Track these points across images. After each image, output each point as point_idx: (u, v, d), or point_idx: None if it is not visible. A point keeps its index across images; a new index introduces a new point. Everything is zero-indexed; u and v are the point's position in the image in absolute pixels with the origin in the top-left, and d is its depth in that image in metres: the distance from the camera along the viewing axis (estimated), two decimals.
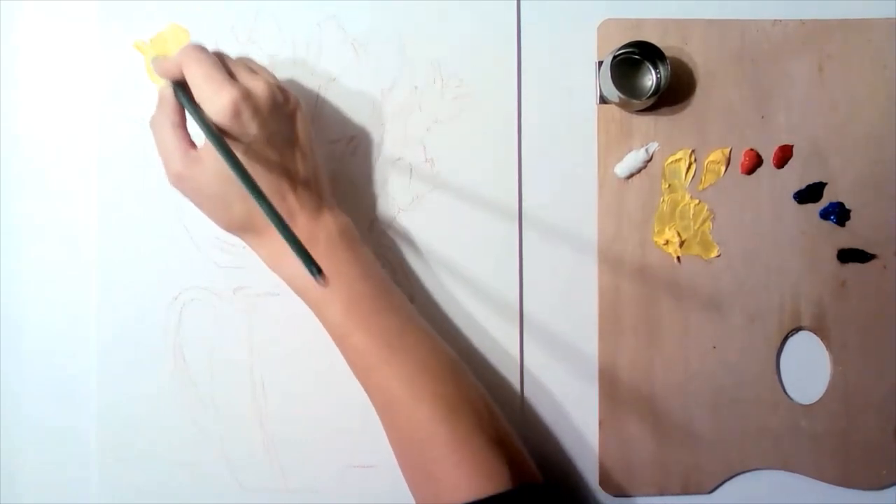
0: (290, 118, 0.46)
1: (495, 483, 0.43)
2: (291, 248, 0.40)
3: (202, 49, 0.45)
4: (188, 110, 0.45)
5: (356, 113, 0.53)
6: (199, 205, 0.47)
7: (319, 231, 0.47)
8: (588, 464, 0.53)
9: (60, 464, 0.52)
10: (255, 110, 0.44)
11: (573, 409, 0.53)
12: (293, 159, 0.46)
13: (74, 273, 0.52)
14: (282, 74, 0.53)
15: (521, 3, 0.54)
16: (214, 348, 0.52)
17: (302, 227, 0.46)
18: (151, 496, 0.52)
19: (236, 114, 0.43)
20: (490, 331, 0.53)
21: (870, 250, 0.53)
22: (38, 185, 0.53)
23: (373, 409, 0.50)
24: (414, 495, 0.46)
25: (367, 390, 0.47)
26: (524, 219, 0.53)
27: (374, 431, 0.52)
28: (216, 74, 0.44)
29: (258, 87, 0.44)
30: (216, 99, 0.43)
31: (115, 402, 0.52)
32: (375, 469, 0.52)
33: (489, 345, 0.53)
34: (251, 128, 0.44)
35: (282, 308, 0.52)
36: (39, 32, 0.53)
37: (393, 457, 0.51)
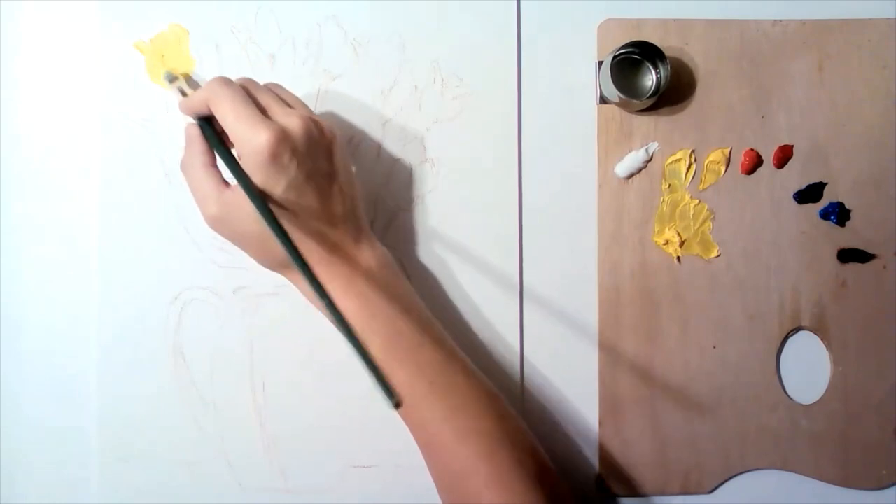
0: (327, 152, 0.45)
1: None
2: (360, 359, 0.39)
3: (228, 83, 0.44)
4: (216, 150, 0.44)
5: (356, 113, 0.53)
6: (238, 245, 0.46)
7: (359, 264, 0.46)
8: (588, 464, 0.53)
9: (60, 464, 0.52)
10: (294, 150, 0.43)
11: (573, 410, 0.53)
12: (331, 195, 0.45)
13: (74, 273, 0.52)
14: (282, 74, 0.53)
15: (521, 3, 0.54)
16: (214, 348, 0.52)
17: (343, 260, 0.45)
18: (151, 496, 0.52)
19: (274, 156, 0.42)
20: (490, 331, 0.53)
21: (870, 250, 0.53)
22: (38, 185, 0.53)
23: (373, 409, 0.50)
24: None
25: (407, 425, 0.46)
26: (524, 219, 0.53)
27: (374, 431, 0.52)
28: (249, 113, 0.43)
29: (294, 125, 0.43)
30: (252, 140, 0.42)
31: (115, 402, 0.52)
32: (375, 469, 0.52)
33: (489, 345, 0.53)
34: (290, 169, 0.43)
35: (282, 308, 0.52)
36: (39, 32, 0.53)
37: (393, 457, 0.52)
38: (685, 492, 0.53)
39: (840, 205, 0.53)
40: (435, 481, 0.47)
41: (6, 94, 0.53)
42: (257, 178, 0.42)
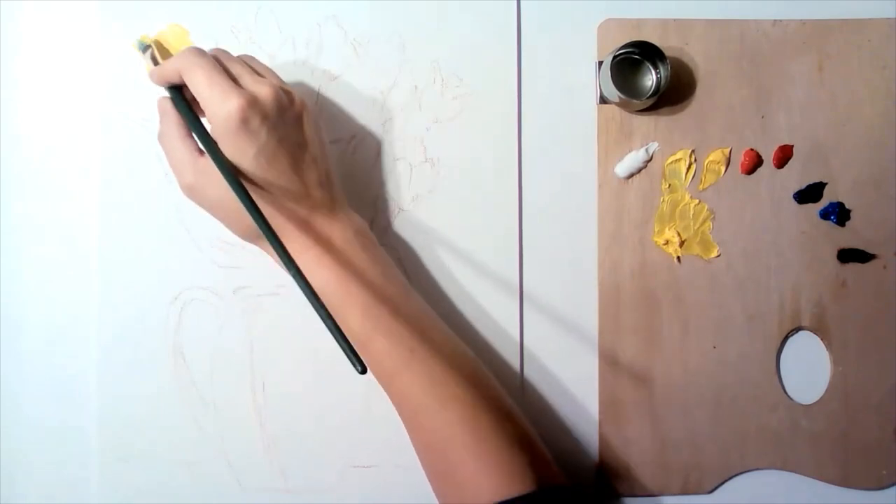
0: (297, 120, 0.45)
1: (519, 485, 0.43)
2: (318, 314, 0.41)
3: (201, 53, 0.45)
4: (186, 119, 0.45)
5: (356, 113, 0.53)
6: (213, 214, 0.46)
7: (335, 233, 0.46)
8: (588, 463, 0.53)
9: (60, 464, 0.52)
10: (263, 117, 0.43)
11: (573, 409, 0.53)
12: (304, 162, 0.45)
13: (74, 273, 0.52)
14: (282, 74, 0.53)
15: (521, 3, 0.54)
16: (214, 348, 0.52)
17: (318, 229, 0.46)
18: (151, 496, 0.52)
19: (244, 121, 0.42)
20: (490, 330, 0.53)
21: (870, 250, 0.53)
22: (38, 185, 0.53)
23: (373, 409, 0.50)
24: (437, 497, 0.46)
25: (389, 395, 0.47)
26: (524, 219, 0.53)
27: (374, 431, 0.52)
28: (220, 81, 0.43)
29: (263, 92, 0.43)
30: (222, 106, 0.42)
31: (115, 402, 0.52)
32: (375, 469, 0.52)
33: (489, 345, 0.53)
34: (260, 135, 0.43)
35: (282, 308, 0.52)
36: (39, 32, 0.53)
37: (393, 457, 0.52)
38: (685, 492, 0.53)
39: (840, 205, 0.53)
40: (417, 450, 0.47)
41: (6, 94, 0.53)
42: (228, 145, 0.43)
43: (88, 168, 0.52)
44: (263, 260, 0.52)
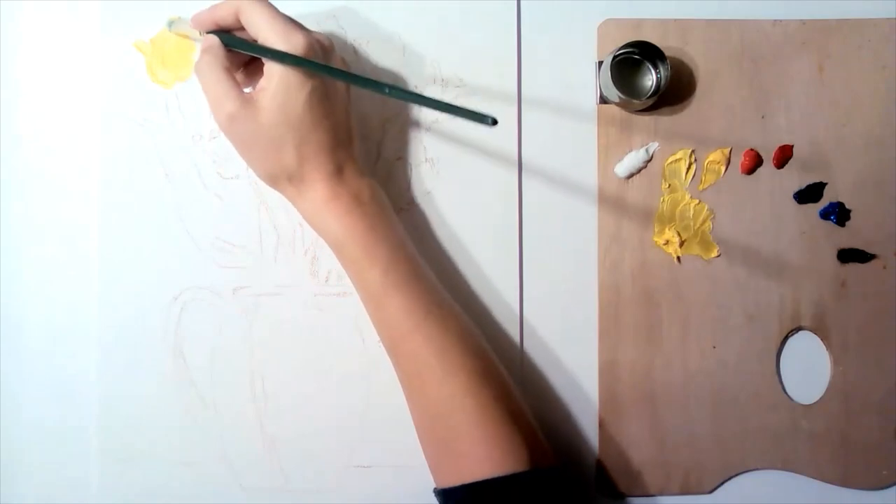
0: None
1: (514, 459, 0.44)
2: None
3: None
4: (246, 49, 0.45)
5: (356, 113, 0.53)
6: (247, 149, 0.47)
7: (363, 189, 0.47)
8: (588, 464, 0.53)
9: (60, 464, 0.52)
10: (321, 58, 0.45)
11: (573, 410, 0.53)
12: (343, 112, 0.47)
13: (75, 273, 0.52)
14: None
15: (521, 3, 0.54)
16: (214, 348, 0.52)
17: (348, 181, 0.47)
18: (151, 496, 0.52)
19: (308, 57, 0.44)
20: (489, 332, 0.53)
21: (870, 250, 0.53)
22: (38, 185, 0.53)
23: (372, 409, 0.50)
24: (432, 469, 0.47)
25: (396, 357, 0.47)
26: (524, 219, 0.53)
27: (374, 431, 0.52)
28: (282, 20, 0.44)
29: (319, 36, 0.46)
30: (287, 41, 0.43)
31: (115, 402, 0.52)
32: (375, 469, 0.52)
33: (489, 344, 0.53)
34: (316, 75, 0.45)
35: (282, 308, 0.52)
36: (40, 32, 0.53)
37: (393, 457, 0.51)
38: (685, 492, 0.53)
39: (840, 205, 0.53)
40: (415, 415, 0.47)
41: (6, 94, 0.53)
42: (285, 80, 0.44)
43: (88, 168, 0.52)
44: (263, 260, 0.52)
